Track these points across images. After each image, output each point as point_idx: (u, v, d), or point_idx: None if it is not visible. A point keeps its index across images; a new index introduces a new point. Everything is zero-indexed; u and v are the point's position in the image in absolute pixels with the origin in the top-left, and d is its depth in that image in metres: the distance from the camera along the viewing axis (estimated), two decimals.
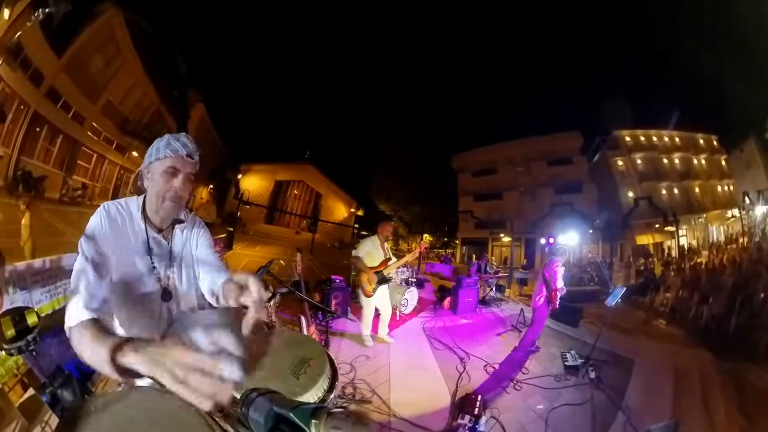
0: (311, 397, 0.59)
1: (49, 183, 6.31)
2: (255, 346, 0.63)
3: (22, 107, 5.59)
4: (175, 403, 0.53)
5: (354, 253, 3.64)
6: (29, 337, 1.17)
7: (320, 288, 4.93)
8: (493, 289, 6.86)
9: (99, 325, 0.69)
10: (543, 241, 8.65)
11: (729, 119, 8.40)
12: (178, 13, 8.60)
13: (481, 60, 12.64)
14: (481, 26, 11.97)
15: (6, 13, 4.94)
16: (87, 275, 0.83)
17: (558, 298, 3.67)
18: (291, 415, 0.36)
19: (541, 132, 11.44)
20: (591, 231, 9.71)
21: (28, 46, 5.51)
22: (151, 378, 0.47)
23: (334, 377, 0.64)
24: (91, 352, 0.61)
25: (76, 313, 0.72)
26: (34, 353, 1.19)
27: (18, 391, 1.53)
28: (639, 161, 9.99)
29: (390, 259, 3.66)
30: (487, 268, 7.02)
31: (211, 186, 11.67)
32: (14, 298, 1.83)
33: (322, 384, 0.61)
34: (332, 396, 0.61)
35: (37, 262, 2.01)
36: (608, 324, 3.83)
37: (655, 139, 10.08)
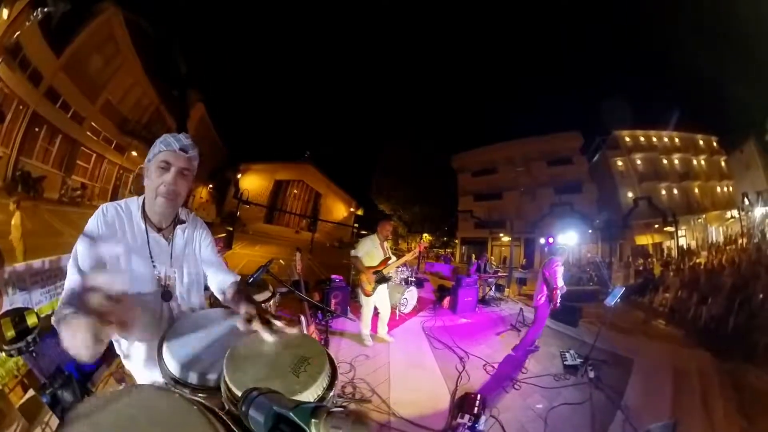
0: (311, 395, 0.59)
1: (48, 183, 6.30)
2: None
3: (21, 107, 5.58)
4: (176, 402, 0.53)
5: (353, 252, 3.63)
6: (29, 338, 1.17)
7: (320, 287, 4.94)
8: (493, 288, 6.86)
9: (78, 313, 0.70)
10: (542, 240, 8.66)
11: (729, 120, 8.41)
12: (177, 12, 8.58)
13: (481, 60, 12.64)
14: (481, 26, 11.97)
15: (5, 12, 4.93)
16: (72, 273, 0.86)
17: (559, 296, 3.68)
18: (291, 414, 0.37)
19: (541, 132, 11.46)
20: (590, 231, 9.72)
21: (27, 46, 5.49)
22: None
23: (333, 375, 0.64)
24: (72, 339, 0.63)
25: (59, 311, 0.76)
26: (34, 354, 1.19)
27: (18, 393, 1.53)
28: (639, 161, 10.00)
29: (389, 258, 3.66)
30: (487, 268, 7.03)
31: (211, 185, 11.67)
32: (14, 299, 1.83)
33: (322, 382, 0.62)
34: (332, 394, 0.62)
35: (37, 263, 2.01)
36: (607, 324, 3.84)
37: (654, 139, 10.09)
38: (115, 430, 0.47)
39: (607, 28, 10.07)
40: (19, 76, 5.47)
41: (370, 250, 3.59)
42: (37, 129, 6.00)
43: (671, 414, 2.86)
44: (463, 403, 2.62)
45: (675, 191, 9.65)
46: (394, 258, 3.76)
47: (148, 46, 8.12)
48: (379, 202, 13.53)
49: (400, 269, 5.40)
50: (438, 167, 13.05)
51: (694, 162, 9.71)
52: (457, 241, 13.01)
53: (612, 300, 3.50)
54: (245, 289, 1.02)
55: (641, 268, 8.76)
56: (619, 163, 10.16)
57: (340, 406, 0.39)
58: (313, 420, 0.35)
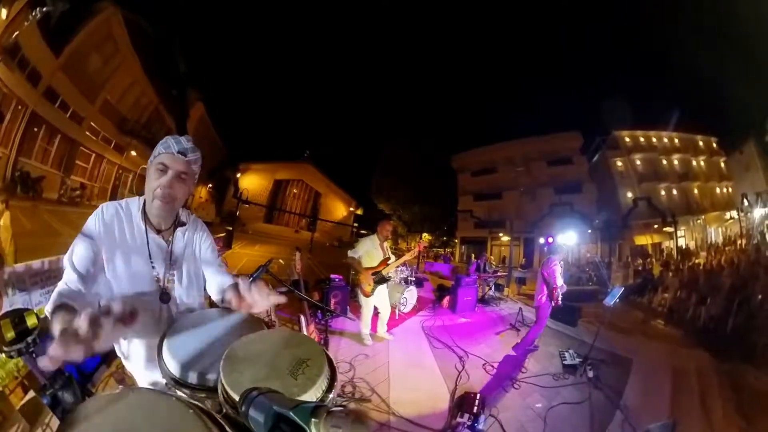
0: (310, 398, 0.58)
1: (48, 183, 6.29)
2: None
3: (19, 107, 5.57)
4: (173, 405, 0.53)
5: (350, 253, 3.59)
6: (29, 339, 1.16)
7: (319, 287, 4.94)
8: (492, 288, 6.87)
9: (68, 308, 0.72)
10: (542, 240, 8.67)
11: (729, 121, 8.42)
12: (177, 12, 8.57)
13: (481, 60, 12.64)
14: (481, 26, 11.96)
15: (3, 12, 4.92)
16: (67, 272, 0.87)
17: (560, 295, 3.70)
18: (291, 414, 0.37)
19: (541, 132, 11.47)
20: (590, 231, 9.74)
21: (26, 46, 5.48)
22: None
23: (332, 378, 0.64)
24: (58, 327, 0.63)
25: (49, 304, 0.77)
26: (34, 355, 1.18)
27: (19, 394, 1.52)
28: (638, 162, 10.02)
29: (389, 258, 3.66)
30: (486, 268, 7.04)
31: (210, 185, 11.66)
32: (13, 300, 1.83)
33: (321, 384, 0.61)
34: (331, 397, 0.61)
35: (36, 263, 2.01)
36: (606, 323, 3.85)
37: (654, 140, 10.11)
38: None
39: (607, 28, 10.09)
40: (17, 76, 5.46)
41: (370, 250, 3.58)
42: (36, 129, 5.98)
43: (670, 414, 2.87)
44: (462, 403, 2.63)
45: (674, 192, 9.67)
46: (393, 258, 3.76)
47: (148, 46, 8.10)
48: (379, 201, 13.54)
49: (399, 268, 5.40)
50: (438, 167, 13.06)
51: (694, 163, 9.73)
52: (456, 240, 13.02)
53: (611, 300, 3.51)
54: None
55: (640, 268, 8.78)
56: (619, 163, 10.17)
57: (340, 406, 0.39)
58: (313, 419, 0.35)
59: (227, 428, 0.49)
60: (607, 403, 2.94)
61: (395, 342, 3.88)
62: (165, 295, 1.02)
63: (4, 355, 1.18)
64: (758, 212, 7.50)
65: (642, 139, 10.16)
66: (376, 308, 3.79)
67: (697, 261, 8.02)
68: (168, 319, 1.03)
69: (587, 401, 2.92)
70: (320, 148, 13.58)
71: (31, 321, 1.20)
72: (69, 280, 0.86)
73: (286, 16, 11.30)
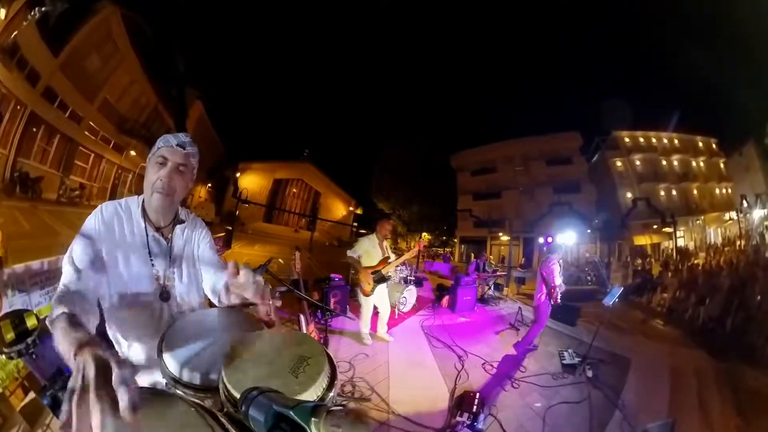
0: (310, 395, 0.59)
1: (47, 184, 6.27)
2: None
3: (18, 107, 5.55)
4: (177, 403, 0.53)
5: (349, 252, 3.60)
6: (29, 340, 1.16)
7: (319, 286, 4.94)
8: (492, 287, 6.89)
9: (69, 320, 0.69)
10: (541, 240, 8.69)
11: (728, 122, 8.44)
12: (176, 11, 8.55)
13: (481, 60, 12.64)
14: (480, 26, 11.96)
15: (2, 12, 4.90)
16: (68, 273, 0.85)
17: (559, 294, 3.71)
18: (291, 413, 0.37)
19: (540, 132, 11.47)
20: (589, 231, 9.75)
21: (25, 46, 5.46)
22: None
23: (333, 376, 0.64)
24: (60, 347, 0.61)
25: (53, 308, 0.74)
26: (34, 356, 1.18)
27: (19, 395, 1.52)
28: (638, 162, 10.04)
29: (389, 257, 3.66)
30: (486, 267, 7.05)
31: (210, 184, 11.64)
32: (13, 301, 1.83)
33: (321, 382, 0.62)
34: (331, 394, 0.62)
35: (36, 264, 2.01)
36: (606, 323, 3.86)
37: (654, 140, 10.13)
38: None
39: (606, 28, 10.09)
40: (16, 76, 5.44)
41: (369, 249, 3.59)
42: (34, 129, 5.96)
43: (669, 413, 2.88)
44: (462, 402, 2.64)
45: (674, 192, 9.69)
46: (393, 257, 3.76)
47: (147, 45, 8.09)
48: (379, 201, 13.54)
49: (399, 268, 5.41)
50: (437, 166, 13.06)
51: (693, 163, 9.75)
52: (456, 240, 13.03)
53: (610, 300, 3.52)
54: None
55: (639, 268, 8.79)
56: (618, 163, 10.19)
57: (340, 405, 0.40)
58: (313, 419, 0.35)
59: (230, 427, 0.50)
60: (606, 403, 2.95)
61: (395, 342, 3.89)
62: (165, 294, 1.02)
63: (4, 356, 1.18)
64: (757, 213, 7.52)
65: (641, 140, 10.18)
66: (375, 308, 3.80)
67: (696, 261, 8.04)
68: (168, 318, 1.03)
69: (586, 401, 2.93)
70: (320, 147, 13.58)
71: (30, 322, 1.20)
72: (69, 280, 0.85)
73: (286, 14, 11.29)
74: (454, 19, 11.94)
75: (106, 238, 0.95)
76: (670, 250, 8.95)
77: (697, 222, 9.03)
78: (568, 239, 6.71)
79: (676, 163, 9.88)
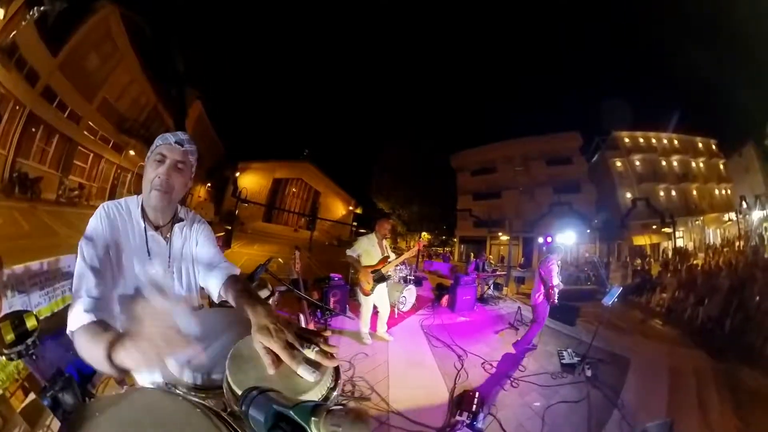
0: (315, 395, 0.59)
1: (46, 184, 6.25)
2: None
3: (17, 107, 5.53)
4: (178, 404, 0.53)
5: (348, 252, 3.60)
6: (29, 341, 1.16)
7: (319, 286, 4.94)
8: (491, 287, 6.89)
9: (97, 327, 0.70)
10: (541, 240, 8.70)
11: (728, 123, 8.45)
12: (175, 9, 8.54)
13: (481, 60, 12.64)
14: (480, 26, 11.96)
15: (0, 12, 4.89)
16: (86, 278, 0.83)
17: (556, 294, 3.72)
18: (291, 413, 0.37)
19: (540, 132, 11.48)
20: (589, 231, 9.76)
21: (23, 45, 5.45)
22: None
23: (337, 375, 0.64)
24: (89, 354, 0.63)
25: (76, 317, 0.73)
26: (34, 357, 1.18)
27: (19, 396, 1.51)
28: (637, 162, 10.05)
29: (388, 257, 3.66)
30: (485, 267, 7.06)
31: (209, 184, 11.62)
32: (13, 302, 1.83)
33: (326, 382, 0.62)
34: (336, 393, 0.62)
35: (35, 265, 2.01)
36: (605, 323, 3.86)
37: (654, 141, 10.14)
38: None
39: (605, 27, 10.09)
40: (15, 76, 5.42)
41: (368, 249, 3.59)
42: (33, 129, 5.95)
43: (667, 413, 2.89)
44: (461, 401, 2.64)
45: (673, 193, 9.71)
46: (393, 256, 3.76)
47: (146, 44, 8.07)
48: (378, 200, 13.54)
49: (398, 267, 5.41)
50: (437, 166, 13.06)
51: (693, 164, 9.76)
52: (455, 239, 13.04)
53: (609, 299, 3.53)
54: (247, 285, 0.95)
55: (639, 268, 8.81)
56: (618, 163, 10.20)
57: (340, 404, 0.40)
58: (312, 418, 0.35)
59: (236, 426, 0.50)
60: (605, 402, 2.96)
61: (394, 341, 3.89)
62: (164, 294, 1.02)
63: (4, 357, 1.18)
64: (757, 215, 7.54)
65: (641, 140, 10.19)
66: (375, 307, 3.80)
67: (695, 262, 8.05)
68: None
69: (585, 400, 2.94)
70: (319, 146, 13.58)
71: (30, 323, 1.20)
72: (88, 288, 0.82)
73: (286, 13, 11.27)
74: (453, 18, 11.94)
75: (109, 240, 0.95)
76: (669, 251, 8.97)
77: (697, 222, 9.05)
78: (567, 239, 6.71)
79: (675, 163, 9.90)
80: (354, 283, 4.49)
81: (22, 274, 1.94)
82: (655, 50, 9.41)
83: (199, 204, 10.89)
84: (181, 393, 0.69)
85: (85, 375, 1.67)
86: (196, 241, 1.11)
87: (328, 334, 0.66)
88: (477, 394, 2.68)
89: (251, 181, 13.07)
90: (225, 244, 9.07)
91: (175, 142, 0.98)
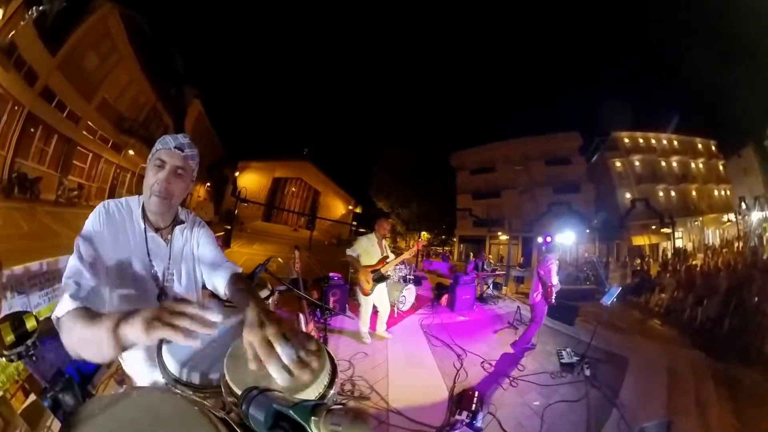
0: (312, 393, 0.59)
1: (45, 184, 6.23)
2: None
3: (16, 108, 5.51)
4: (177, 403, 0.53)
5: (348, 251, 3.62)
6: (29, 342, 1.16)
7: (318, 285, 4.95)
8: (490, 286, 6.91)
9: (89, 311, 0.71)
10: (540, 239, 8.71)
11: (728, 124, 8.46)
12: (175, 9, 8.52)
13: (481, 60, 12.65)
14: (480, 26, 11.96)
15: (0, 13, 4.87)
16: (80, 271, 0.83)
17: (554, 293, 3.73)
18: (291, 412, 0.37)
19: (540, 131, 11.49)
20: (588, 231, 9.78)
21: (22, 45, 5.43)
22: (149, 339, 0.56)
23: (334, 373, 0.65)
24: (89, 334, 0.64)
25: (64, 304, 0.73)
26: (34, 358, 1.18)
27: (20, 398, 1.51)
28: (637, 163, 10.07)
29: (387, 256, 3.67)
30: (485, 266, 7.07)
31: (209, 183, 11.61)
32: (12, 303, 1.82)
33: (323, 380, 0.62)
34: (332, 392, 0.62)
35: (35, 265, 2.00)
36: (604, 323, 3.88)
37: (653, 141, 10.16)
38: None
39: (605, 27, 10.10)
40: (13, 76, 5.40)
41: (368, 248, 3.60)
42: (32, 129, 5.93)
43: (666, 413, 2.90)
44: (460, 400, 2.65)
45: (672, 193, 9.73)
46: (392, 256, 3.77)
47: (145, 43, 8.05)
48: (378, 200, 13.54)
49: (398, 267, 5.42)
50: (437, 166, 13.07)
51: (692, 165, 9.79)
52: (455, 239, 13.05)
53: (608, 299, 3.54)
54: (248, 283, 0.95)
55: (638, 268, 8.83)
56: (618, 164, 10.21)
57: (339, 404, 0.40)
58: (312, 417, 0.36)
59: (235, 426, 0.50)
60: (603, 402, 2.97)
61: (394, 340, 3.90)
62: (163, 294, 1.02)
63: (4, 359, 1.18)
64: (756, 216, 7.56)
65: (641, 141, 10.20)
66: (374, 306, 3.80)
67: (694, 262, 8.07)
68: None
69: (584, 399, 2.95)
70: (319, 146, 13.57)
71: (30, 324, 1.20)
72: (81, 279, 0.82)
73: (286, 12, 11.26)
74: (453, 19, 11.93)
75: (108, 237, 0.94)
76: (668, 251, 8.99)
77: (696, 223, 9.08)
78: (566, 239, 6.72)
79: (675, 164, 9.92)
80: (353, 283, 4.49)
81: (21, 274, 1.94)
82: (655, 50, 9.43)
83: (198, 203, 10.88)
84: (180, 392, 0.69)
85: (85, 375, 1.67)
86: (197, 243, 1.11)
87: (312, 347, 0.62)
88: (476, 393, 2.69)
89: (251, 181, 13.07)
90: (224, 243, 9.06)
91: (175, 147, 0.97)
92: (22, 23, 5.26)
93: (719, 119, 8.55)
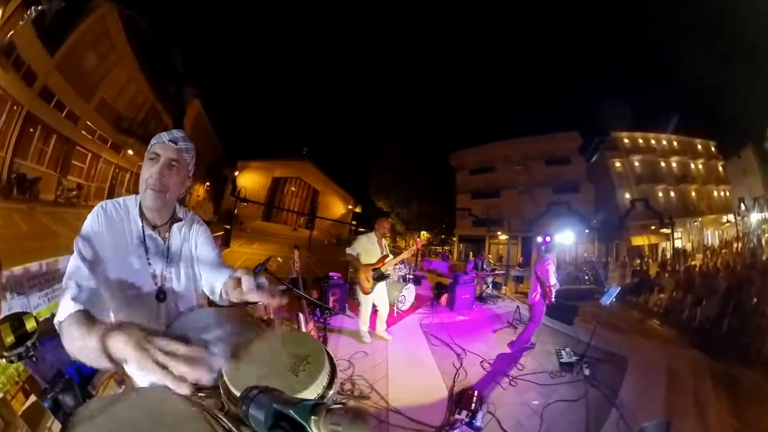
0: (311, 393, 0.59)
1: (44, 184, 6.22)
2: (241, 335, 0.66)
3: (14, 108, 5.50)
4: (177, 403, 0.53)
5: (348, 250, 3.63)
6: (29, 343, 1.15)
7: (318, 285, 4.95)
8: (490, 286, 6.91)
9: (88, 316, 0.70)
10: (539, 239, 8.72)
11: (728, 125, 8.46)
12: (174, 8, 8.51)
13: (481, 59, 12.65)
14: (480, 25, 11.96)
15: None
16: (79, 271, 0.83)
17: (553, 293, 3.73)
18: (291, 412, 0.37)
19: (539, 131, 11.50)
20: (587, 231, 9.79)
21: (21, 45, 5.41)
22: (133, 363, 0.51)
23: (333, 373, 0.65)
24: (82, 342, 0.62)
25: (65, 307, 0.73)
26: (34, 359, 1.18)
27: (20, 399, 1.51)
28: (637, 163, 10.07)
29: (387, 256, 3.67)
30: (484, 266, 7.07)
31: (208, 183, 11.60)
32: (12, 304, 1.82)
33: (322, 380, 0.62)
34: (332, 392, 0.62)
35: (34, 266, 2.00)
36: (603, 322, 3.88)
37: (653, 142, 10.16)
38: None
39: (605, 27, 10.10)
40: (12, 76, 5.38)
41: (367, 247, 3.60)
42: (31, 129, 5.91)
43: (665, 412, 2.90)
44: (460, 399, 2.65)
45: (672, 194, 9.73)
46: (391, 255, 3.77)
47: (144, 43, 8.04)
48: (378, 199, 13.54)
49: (397, 267, 5.42)
50: (437, 165, 13.07)
51: (692, 166, 9.79)
52: (454, 238, 13.05)
53: (608, 299, 3.54)
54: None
55: (637, 268, 8.84)
56: (617, 164, 10.22)
57: (339, 403, 0.40)
58: (312, 417, 0.36)
59: (231, 426, 0.50)
60: (602, 401, 2.97)
61: (394, 340, 3.90)
62: (162, 294, 1.02)
63: (4, 360, 1.18)
64: (755, 217, 7.57)
65: (641, 141, 10.21)
66: (374, 306, 3.81)
67: (693, 263, 8.09)
68: (166, 317, 1.02)
69: (583, 399, 2.96)
70: (318, 145, 13.57)
71: (30, 324, 1.20)
72: (80, 280, 0.81)
73: (285, 12, 11.24)
74: (453, 18, 11.93)
75: (105, 238, 0.94)
76: (667, 251, 9.00)
77: (695, 224, 9.09)
78: (566, 239, 6.72)
79: (674, 164, 9.93)
80: (353, 282, 4.49)
81: (21, 275, 1.94)
82: (654, 50, 9.43)
83: (198, 203, 10.87)
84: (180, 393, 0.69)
85: (85, 376, 1.67)
86: (195, 243, 1.10)
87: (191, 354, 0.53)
88: (476, 392, 2.70)
89: (250, 180, 13.06)
90: (224, 243, 9.06)
91: (169, 140, 0.97)
92: (20, 23, 5.24)
93: (719, 119, 8.55)
